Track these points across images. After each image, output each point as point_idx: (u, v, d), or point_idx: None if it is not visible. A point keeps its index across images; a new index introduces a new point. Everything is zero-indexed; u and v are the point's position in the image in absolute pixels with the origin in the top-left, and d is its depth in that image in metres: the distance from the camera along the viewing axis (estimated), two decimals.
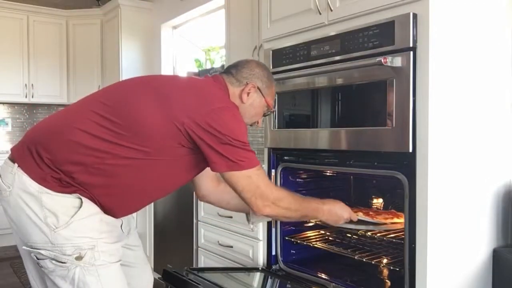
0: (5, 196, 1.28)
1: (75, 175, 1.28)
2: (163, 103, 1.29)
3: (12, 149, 1.37)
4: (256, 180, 1.36)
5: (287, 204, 1.42)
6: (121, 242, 1.42)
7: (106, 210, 1.37)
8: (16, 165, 1.28)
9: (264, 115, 1.58)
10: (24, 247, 1.32)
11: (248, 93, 1.47)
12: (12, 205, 1.27)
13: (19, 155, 1.31)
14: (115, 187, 1.33)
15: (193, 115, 1.27)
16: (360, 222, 1.68)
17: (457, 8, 1.55)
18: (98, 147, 1.26)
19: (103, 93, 1.40)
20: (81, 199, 1.28)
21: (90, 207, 1.29)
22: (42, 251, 1.24)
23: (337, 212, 1.58)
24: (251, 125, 1.57)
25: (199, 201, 2.70)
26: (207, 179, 1.65)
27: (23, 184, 1.25)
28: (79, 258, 1.24)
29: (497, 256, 1.66)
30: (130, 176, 1.32)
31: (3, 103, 5.19)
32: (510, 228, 1.75)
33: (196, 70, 4.12)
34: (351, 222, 1.64)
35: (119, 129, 1.26)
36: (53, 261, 1.24)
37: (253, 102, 1.50)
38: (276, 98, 2.02)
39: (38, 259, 1.27)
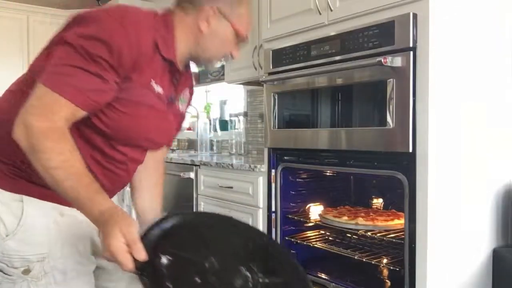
0: None
1: (20, 159, 1.05)
2: None
3: None
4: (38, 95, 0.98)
5: (47, 147, 0.95)
6: (88, 258, 1.18)
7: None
8: None
9: (238, 46, 1.22)
10: None
11: (207, 20, 1.14)
12: None
13: None
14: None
15: None
16: None
17: (457, 8, 1.55)
18: None
19: None
20: (21, 199, 1.08)
21: (36, 208, 1.09)
22: None
23: (109, 228, 0.92)
24: (226, 60, 1.26)
25: (199, 201, 2.70)
26: None
27: None
28: (26, 271, 1.08)
29: (497, 256, 1.67)
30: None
31: None
32: (510, 228, 1.75)
33: (196, 70, 4.12)
34: None
35: None
36: (0, 273, 1.09)
37: (216, 29, 1.15)
38: (275, 99, 2.02)
39: None
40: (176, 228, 0.99)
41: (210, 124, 3.79)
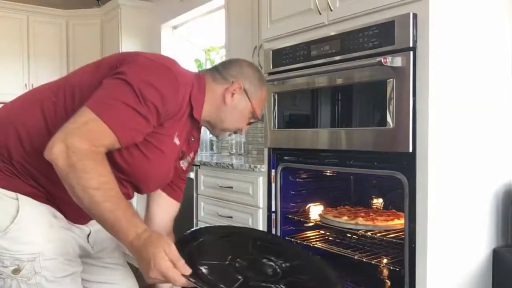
0: None
1: (16, 159, 1.10)
2: None
3: None
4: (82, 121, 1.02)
5: (89, 167, 0.96)
6: (75, 259, 1.22)
7: (63, 209, 1.17)
8: None
9: (249, 123, 1.34)
10: None
11: (232, 93, 1.25)
12: None
13: None
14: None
15: None
16: None
17: (457, 8, 1.55)
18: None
19: None
20: (16, 197, 1.10)
21: (30, 207, 1.11)
22: None
23: (147, 259, 0.95)
24: (235, 133, 1.36)
25: (199, 201, 2.70)
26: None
27: None
28: (16, 271, 1.09)
29: (497, 256, 1.67)
30: None
31: (3, 103, 5.18)
32: (510, 228, 1.75)
33: (196, 70, 4.12)
34: None
35: None
36: None
37: (237, 104, 1.27)
38: (275, 99, 2.02)
39: None
40: (200, 243, 1.15)
41: None
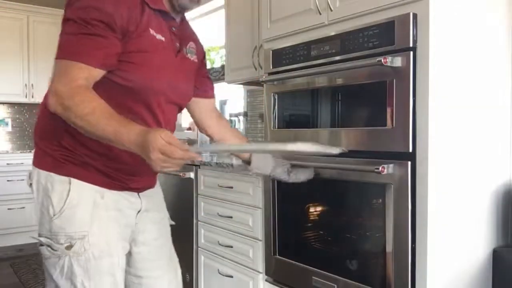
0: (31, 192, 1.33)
1: (67, 139, 1.24)
2: None
3: None
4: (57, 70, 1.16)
5: (77, 100, 1.10)
6: (123, 235, 1.33)
7: (114, 177, 1.30)
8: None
9: None
10: (32, 236, 1.35)
11: None
12: (34, 197, 1.31)
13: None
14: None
15: None
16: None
17: (457, 8, 1.55)
18: None
19: None
20: (69, 181, 1.24)
21: (80, 189, 1.24)
22: (42, 239, 1.26)
23: (148, 148, 1.06)
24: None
25: (199, 201, 2.70)
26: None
27: (35, 175, 1.29)
28: (69, 247, 1.22)
29: (497, 256, 1.67)
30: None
31: (3, 103, 5.19)
32: (510, 228, 1.75)
33: None
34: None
35: None
36: (49, 248, 1.25)
37: None
38: (275, 99, 2.02)
39: (40, 246, 1.28)
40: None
41: None
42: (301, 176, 1.69)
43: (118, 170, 1.30)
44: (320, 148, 1.28)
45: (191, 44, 1.46)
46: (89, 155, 1.25)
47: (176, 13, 1.37)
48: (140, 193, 1.41)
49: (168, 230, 1.57)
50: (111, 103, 1.15)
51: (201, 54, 1.55)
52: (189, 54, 1.44)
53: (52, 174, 1.25)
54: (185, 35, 1.43)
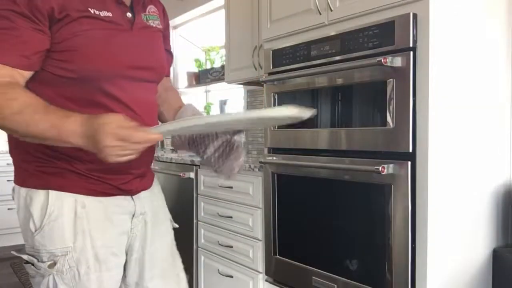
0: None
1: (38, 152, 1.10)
2: None
3: None
4: None
5: (4, 102, 0.96)
6: (116, 245, 1.19)
7: (101, 178, 1.14)
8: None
9: None
10: (12, 252, 1.25)
11: None
12: (18, 214, 1.19)
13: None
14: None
15: None
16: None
17: (457, 8, 1.56)
18: None
19: None
20: (47, 193, 1.11)
21: (59, 201, 1.11)
22: (25, 256, 1.15)
23: (99, 135, 0.92)
24: None
25: (199, 201, 2.70)
26: None
27: (16, 192, 1.19)
28: (52, 265, 1.11)
29: (497, 256, 1.67)
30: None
31: None
32: (510, 228, 1.75)
33: (196, 70, 4.12)
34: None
35: None
36: (32, 267, 1.13)
37: None
38: (275, 99, 2.02)
39: (24, 264, 1.17)
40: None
41: None
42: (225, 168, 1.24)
43: (104, 170, 1.13)
44: (296, 112, 1.06)
45: (151, 8, 1.25)
46: (66, 158, 1.11)
47: None
48: (133, 196, 1.24)
49: (169, 234, 1.41)
50: (70, 103, 1.04)
51: (167, 19, 1.35)
52: (150, 21, 1.23)
53: (30, 188, 1.13)
54: (140, 2, 1.21)
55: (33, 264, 1.12)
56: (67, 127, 0.95)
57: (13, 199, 1.19)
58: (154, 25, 1.24)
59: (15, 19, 0.99)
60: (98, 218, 1.15)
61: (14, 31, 0.99)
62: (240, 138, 1.18)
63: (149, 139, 0.94)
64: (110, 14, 1.11)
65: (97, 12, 1.08)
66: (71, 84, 1.07)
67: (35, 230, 1.10)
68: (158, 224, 1.33)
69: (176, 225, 1.45)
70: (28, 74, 1.04)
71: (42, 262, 1.11)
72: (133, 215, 1.24)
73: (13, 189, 1.19)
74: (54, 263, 1.10)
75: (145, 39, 1.19)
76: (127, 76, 1.13)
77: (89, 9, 1.07)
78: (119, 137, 0.91)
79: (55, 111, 0.97)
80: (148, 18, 1.23)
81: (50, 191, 1.11)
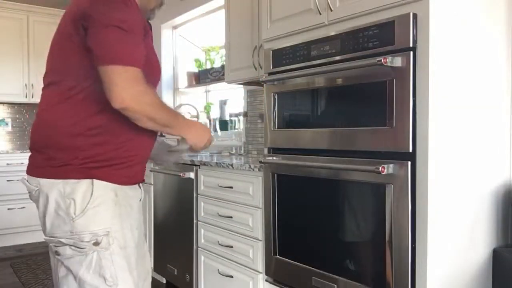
0: (35, 196, 1.39)
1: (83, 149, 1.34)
2: None
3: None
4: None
5: (150, 99, 1.30)
6: (136, 224, 1.48)
7: (134, 167, 1.44)
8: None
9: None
10: (44, 237, 1.39)
11: None
12: (40, 202, 1.37)
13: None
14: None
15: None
16: None
17: (457, 8, 1.56)
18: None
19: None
20: (92, 183, 1.32)
21: (101, 190, 1.34)
22: (62, 239, 1.32)
23: (202, 130, 1.51)
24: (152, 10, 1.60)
25: (199, 201, 2.70)
26: None
27: (41, 185, 1.35)
28: (96, 244, 1.31)
29: (497, 256, 1.67)
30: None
31: (3, 103, 5.19)
32: (510, 228, 1.75)
33: (196, 70, 4.12)
34: None
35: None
36: (72, 247, 1.32)
37: None
38: (275, 99, 2.02)
39: (56, 246, 1.35)
40: None
41: (210, 124, 3.79)
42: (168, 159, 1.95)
43: (136, 156, 1.43)
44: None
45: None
46: (109, 150, 1.35)
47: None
48: (140, 184, 1.53)
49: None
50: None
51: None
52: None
53: (70, 180, 1.32)
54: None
55: (73, 245, 1.31)
56: (180, 119, 1.43)
57: (31, 192, 1.38)
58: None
59: (139, 35, 1.32)
60: (125, 204, 1.41)
61: (140, 44, 1.32)
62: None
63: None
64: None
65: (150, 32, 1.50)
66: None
67: (75, 216, 1.30)
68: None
69: None
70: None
71: (85, 242, 1.31)
72: (140, 200, 1.54)
73: (27, 181, 1.39)
74: (98, 242, 1.31)
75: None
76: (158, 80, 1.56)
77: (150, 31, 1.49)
78: (209, 135, 1.51)
79: (175, 112, 1.45)
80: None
81: (95, 180, 1.33)
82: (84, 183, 1.32)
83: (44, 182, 1.34)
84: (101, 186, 1.34)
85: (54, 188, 1.32)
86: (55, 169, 1.33)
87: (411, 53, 1.48)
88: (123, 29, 1.24)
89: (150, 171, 3.18)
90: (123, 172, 1.40)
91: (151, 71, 1.39)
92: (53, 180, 1.33)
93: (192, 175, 2.74)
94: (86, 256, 1.31)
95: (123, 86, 1.22)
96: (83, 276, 1.31)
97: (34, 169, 1.37)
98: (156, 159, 1.79)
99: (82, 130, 1.32)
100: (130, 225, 1.42)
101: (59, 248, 1.33)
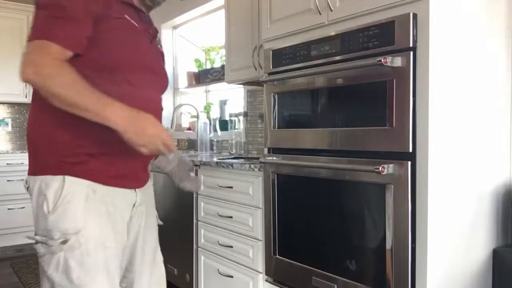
0: (29, 194, 1.36)
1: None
2: None
3: None
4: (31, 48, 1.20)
5: (52, 71, 1.16)
6: (119, 228, 1.34)
7: (123, 167, 1.34)
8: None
9: None
10: (27, 236, 1.37)
11: None
12: (32, 200, 1.34)
13: None
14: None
15: None
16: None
17: (457, 8, 1.56)
18: None
19: None
20: (63, 179, 1.25)
21: (74, 186, 1.26)
22: (37, 237, 1.27)
23: (143, 121, 1.20)
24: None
25: (199, 201, 2.70)
26: None
27: (31, 181, 1.32)
28: (64, 242, 1.23)
29: (497, 256, 1.67)
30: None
31: (3, 103, 5.19)
32: (510, 228, 1.75)
33: (196, 70, 4.12)
34: None
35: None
36: (43, 245, 1.25)
37: None
38: (275, 99, 2.02)
39: (35, 244, 1.29)
40: None
41: (210, 124, 3.79)
42: (188, 185, 1.76)
43: (124, 154, 1.31)
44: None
45: (159, 37, 1.54)
46: (89, 146, 1.28)
47: (145, 7, 1.44)
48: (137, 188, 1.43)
49: (156, 229, 1.60)
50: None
51: (160, 45, 1.60)
52: (159, 46, 1.54)
53: (47, 176, 1.27)
54: (153, 28, 1.48)
55: (44, 243, 1.24)
56: (111, 107, 1.16)
57: (27, 190, 1.33)
58: (161, 50, 1.56)
59: (74, 10, 1.20)
60: (106, 203, 1.31)
61: (63, 20, 1.20)
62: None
63: (170, 141, 1.20)
64: (137, 25, 1.34)
65: (129, 19, 1.32)
66: (101, 71, 1.26)
67: (49, 212, 1.24)
68: (148, 216, 1.50)
69: (161, 223, 1.63)
70: (71, 53, 1.21)
71: (54, 240, 1.23)
72: (134, 205, 1.42)
73: (26, 181, 1.34)
74: (66, 240, 1.23)
75: (159, 56, 1.52)
76: (145, 71, 1.37)
77: (125, 15, 1.31)
78: (158, 130, 1.19)
79: (101, 93, 1.16)
80: (158, 43, 1.53)
81: (66, 176, 1.25)
82: (57, 180, 1.26)
83: (29, 179, 1.32)
84: (74, 183, 1.26)
85: (36, 185, 1.28)
86: (37, 166, 1.30)
87: (411, 53, 1.48)
88: (46, 6, 1.19)
89: (150, 171, 3.18)
90: (103, 169, 1.30)
91: (122, 54, 1.29)
92: (35, 177, 1.29)
93: (192, 175, 2.74)
94: (54, 255, 1.24)
95: (24, 59, 1.16)
96: (51, 275, 1.24)
97: (28, 167, 1.36)
98: (176, 180, 1.73)
99: (57, 125, 1.26)
100: (111, 226, 1.31)
101: (36, 245, 1.28)
